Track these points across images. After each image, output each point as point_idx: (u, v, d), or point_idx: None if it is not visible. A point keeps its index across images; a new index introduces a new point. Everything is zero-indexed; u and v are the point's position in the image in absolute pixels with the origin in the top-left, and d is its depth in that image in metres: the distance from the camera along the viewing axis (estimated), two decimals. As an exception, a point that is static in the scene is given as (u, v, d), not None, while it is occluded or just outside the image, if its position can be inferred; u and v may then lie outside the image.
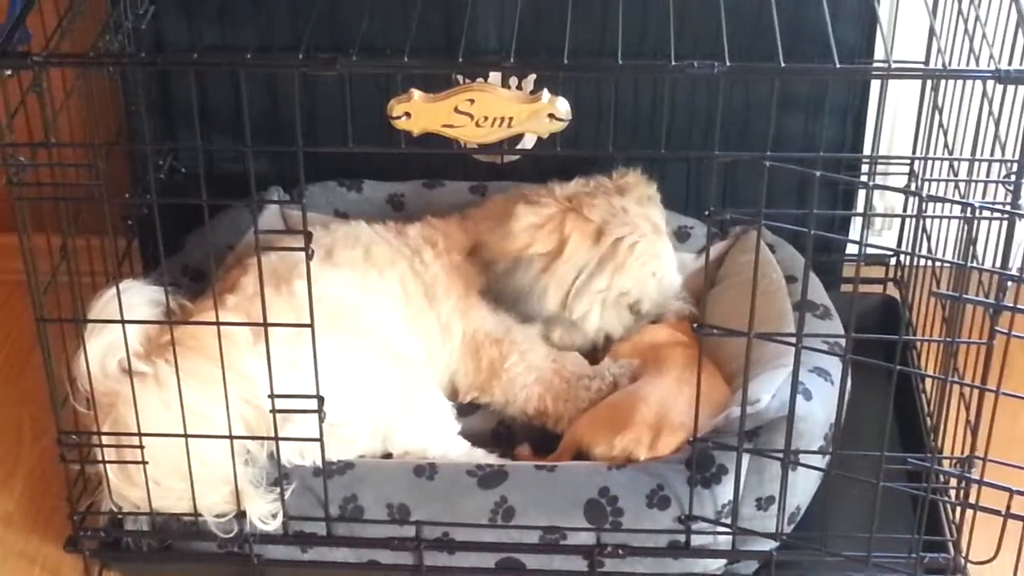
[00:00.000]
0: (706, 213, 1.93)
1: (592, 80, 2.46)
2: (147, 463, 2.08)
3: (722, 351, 2.35)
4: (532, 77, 2.50)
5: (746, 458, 2.08)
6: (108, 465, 2.12)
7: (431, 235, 2.48)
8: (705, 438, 2.10)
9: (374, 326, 2.33)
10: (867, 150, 2.65)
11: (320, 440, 2.10)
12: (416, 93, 1.80)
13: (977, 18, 2.14)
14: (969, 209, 1.90)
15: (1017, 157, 1.85)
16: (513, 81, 2.52)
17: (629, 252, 2.39)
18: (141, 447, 2.08)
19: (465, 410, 2.43)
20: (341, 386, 2.17)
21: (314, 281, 2.00)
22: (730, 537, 2.14)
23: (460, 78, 1.94)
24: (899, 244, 2.73)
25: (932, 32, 2.34)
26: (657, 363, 2.38)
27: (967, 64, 2.19)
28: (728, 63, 1.79)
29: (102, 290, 2.13)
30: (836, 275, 2.72)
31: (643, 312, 2.46)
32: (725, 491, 2.10)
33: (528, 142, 2.47)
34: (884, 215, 2.80)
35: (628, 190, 2.46)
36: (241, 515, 2.13)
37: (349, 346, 2.23)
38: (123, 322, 2.05)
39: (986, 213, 1.90)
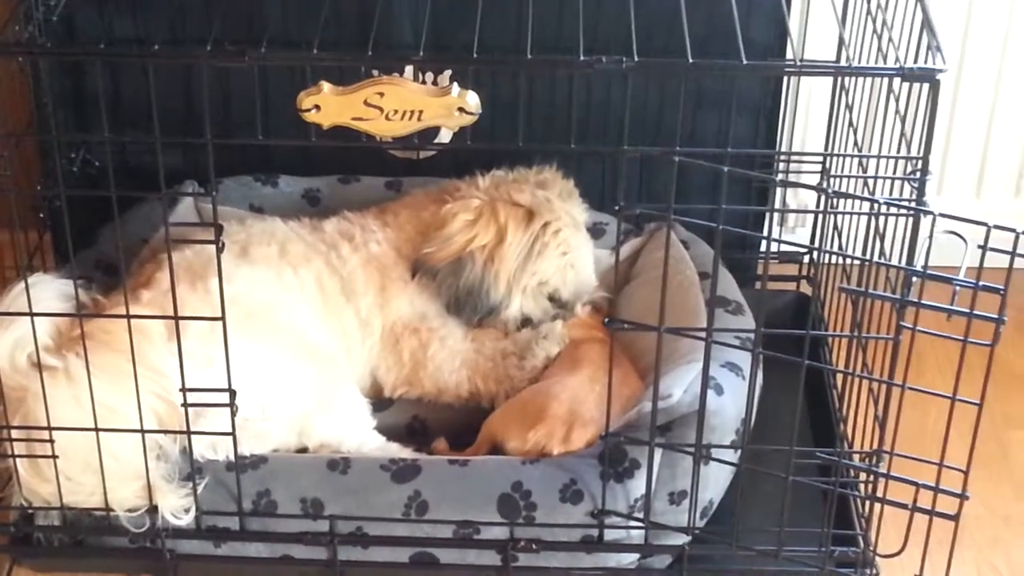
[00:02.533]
0: (616, 208, 1.94)
1: (507, 75, 2.47)
2: (57, 457, 2.07)
3: (635, 346, 2.37)
4: (447, 74, 2.50)
5: (658, 453, 2.09)
6: (18, 460, 2.10)
7: (347, 229, 2.48)
8: (617, 433, 2.11)
9: (289, 323, 2.33)
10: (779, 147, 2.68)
11: (232, 434, 2.09)
12: (326, 86, 1.80)
13: (884, 21, 2.16)
14: (875, 206, 1.92)
15: (921, 154, 1.88)
16: (429, 77, 2.52)
17: (553, 237, 2.40)
18: (51, 441, 2.06)
19: (380, 404, 2.43)
20: (256, 382, 2.16)
21: (229, 280, 2.00)
22: (643, 532, 2.15)
23: (375, 74, 1.94)
24: (811, 241, 2.76)
25: (840, 32, 2.37)
26: (572, 358, 2.39)
27: (875, 63, 2.21)
28: (636, 59, 1.80)
29: (12, 284, 2.11)
30: (751, 272, 2.75)
31: (562, 302, 2.47)
32: (638, 485, 2.12)
33: (445, 137, 2.47)
34: (793, 211, 2.83)
35: (548, 185, 2.47)
36: (153, 510, 2.12)
37: (264, 343, 2.23)
38: (32, 315, 2.04)
39: (893, 209, 1.92)
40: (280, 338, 2.28)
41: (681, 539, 2.17)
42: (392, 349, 2.44)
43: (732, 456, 2.14)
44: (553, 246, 2.40)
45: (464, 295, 2.40)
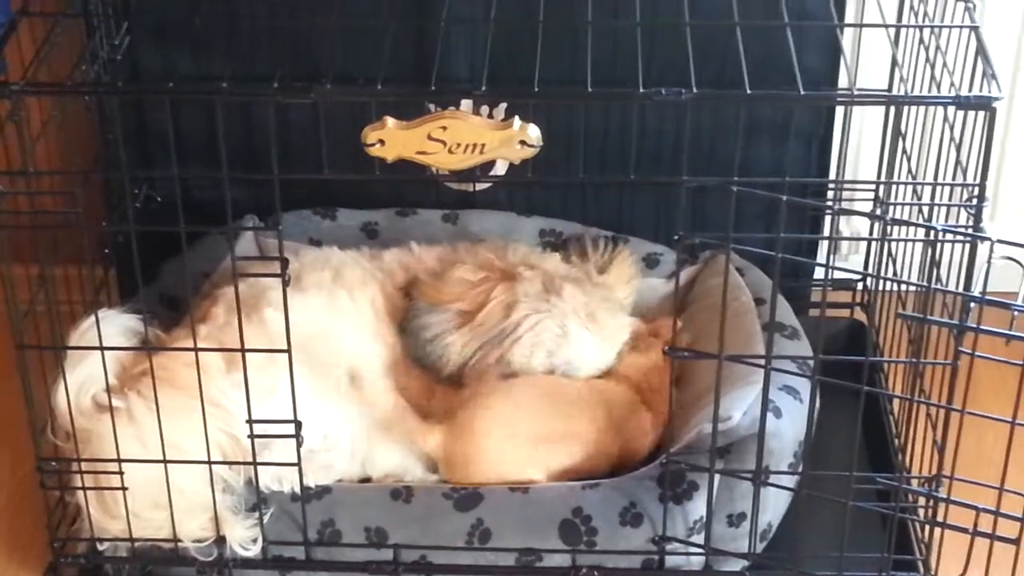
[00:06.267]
0: (675, 238, 1.96)
1: (562, 108, 2.49)
2: (127, 488, 2.10)
3: (691, 370, 2.38)
4: (503, 106, 2.53)
5: (717, 476, 2.11)
6: (87, 499, 2.14)
7: (407, 260, 2.51)
8: (677, 459, 2.13)
9: (346, 350, 2.35)
10: (833, 176, 2.69)
11: (298, 465, 2.12)
12: (390, 121, 1.83)
13: (938, 47, 2.18)
14: (932, 232, 1.94)
15: (977, 181, 1.89)
16: (484, 110, 2.54)
17: (530, 331, 2.40)
18: (120, 473, 2.09)
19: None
20: (318, 413, 2.18)
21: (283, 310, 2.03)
22: (703, 557, 2.17)
23: (432, 107, 1.97)
24: (865, 268, 2.77)
25: (894, 60, 2.38)
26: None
27: (929, 91, 2.23)
28: (695, 90, 1.82)
29: (79, 321, 2.15)
30: (805, 300, 2.75)
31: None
32: (696, 507, 2.13)
33: (500, 169, 2.50)
34: (850, 239, 2.84)
35: (608, 269, 2.52)
36: (221, 540, 2.15)
37: (323, 373, 2.25)
38: (102, 349, 2.07)
39: (949, 236, 1.93)
40: (339, 367, 2.31)
41: (740, 564, 2.17)
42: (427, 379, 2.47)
43: (790, 480, 2.16)
44: (527, 339, 2.40)
45: (418, 332, 2.42)
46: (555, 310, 2.41)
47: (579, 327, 2.43)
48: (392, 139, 1.83)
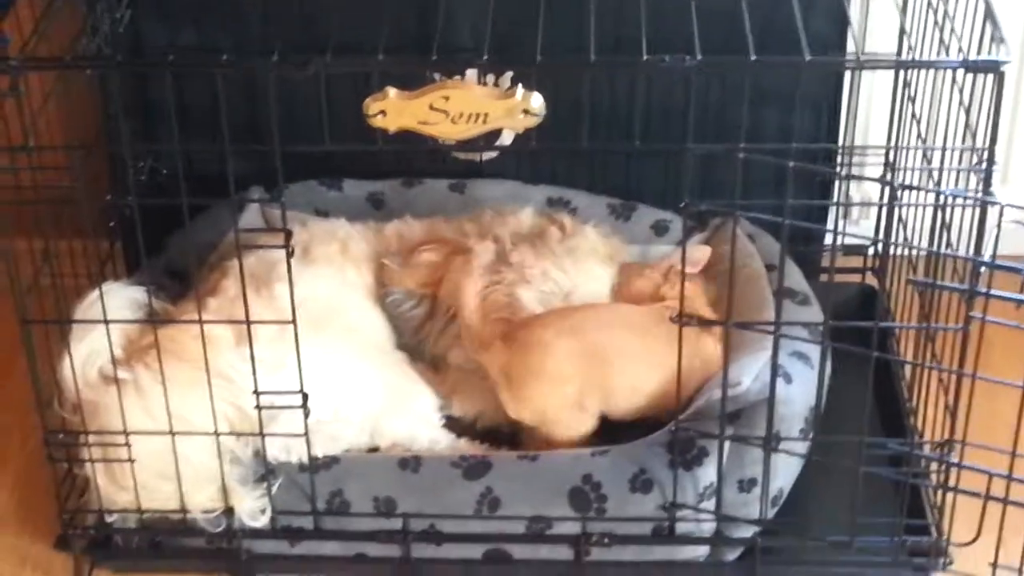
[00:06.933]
0: (681, 206, 1.95)
1: (567, 76, 2.48)
2: (134, 460, 2.10)
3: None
4: (508, 75, 2.51)
5: (727, 442, 2.10)
6: (95, 471, 2.14)
7: (408, 233, 2.50)
8: (687, 426, 2.12)
9: (356, 323, 2.35)
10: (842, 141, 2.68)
11: (306, 436, 2.12)
12: (392, 91, 1.82)
13: (946, 11, 2.16)
14: (941, 197, 1.92)
15: (987, 145, 1.88)
16: (489, 79, 2.53)
17: (485, 300, 2.40)
18: (128, 445, 2.10)
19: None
20: (327, 384, 2.18)
21: (294, 283, 2.02)
22: (714, 523, 2.16)
23: (437, 77, 1.96)
24: (876, 234, 2.76)
25: (903, 25, 2.36)
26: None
27: (937, 55, 2.21)
28: (700, 57, 1.81)
29: (85, 294, 2.15)
30: (815, 265, 2.74)
31: None
32: (707, 473, 2.12)
33: (506, 139, 2.48)
34: (858, 204, 2.82)
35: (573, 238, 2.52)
36: (229, 511, 2.15)
37: (332, 345, 2.25)
38: (106, 322, 2.07)
39: (959, 201, 1.92)
40: (348, 339, 2.30)
41: (752, 530, 2.17)
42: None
43: (801, 446, 2.15)
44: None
45: (401, 328, 2.45)
46: (505, 280, 2.41)
47: (527, 291, 2.42)
48: (394, 110, 1.83)
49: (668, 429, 2.16)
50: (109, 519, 2.19)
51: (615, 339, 2.26)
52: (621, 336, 2.27)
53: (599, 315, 2.33)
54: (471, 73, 2.43)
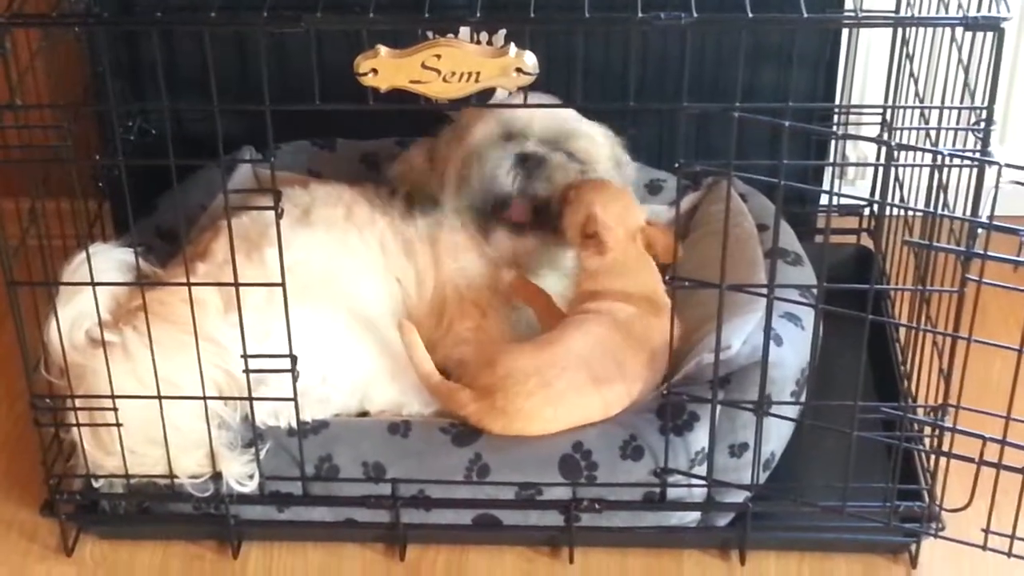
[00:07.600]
0: (676, 165, 1.93)
1: (562, 34, 2.45)
2: (122, 425, 2.08)
3: (693, 297, 2.34)
4: (501, 33, 2.48)
5: (718, 406, 2.09)
6: (82, 436, 2.13)
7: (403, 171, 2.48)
8: (679, 391, 2.11)
9: (350, 289, 2.32)
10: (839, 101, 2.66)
11: (294, 400, 2.10)
12: (383, 49, 1.80)
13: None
14: (939, 157, 1.90)
15: (985, 104, 1.85)
16: (483, 38, 2.50)
17: None
18: (115, 409, 2.08)
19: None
20: (316, 350, 2.17)
21: (287, 247, 2.00)
22: (705, 488, 2.15)
23: (429, 35, 1.93)
24: (872, 194, 2.74)
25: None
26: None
27: (936, 12, 2.18)
28: (695, 15, 1.78)
29: (72, 256, 2.13)
30: (810, 226, 2.72)
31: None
32: (698, 438, 2.11)
33: (500, 97, 2.45)
34: (856, 164, 2.80)
35: None
36: (217, 477, 2.14)
37: (323, 311, 2.23)
38: (93, 284, 2.05)
39: (956, 161, 1.90)
40: (339, 305, 2.27)
41: (743, 495, 2.16)
42: (435, 312, 2.40)
43: (793, 410, 2.13)
44: None
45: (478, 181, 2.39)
46: None
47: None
48: (385, 68, 1.80)
49: (659, 393, 2.14)
50: (96, 484, 2.18)
51: (588, 375, 2.16)
52: (591, 370, 2.17)
53: (563, 359, 2.19)
54: (464, 31, 2.41)
